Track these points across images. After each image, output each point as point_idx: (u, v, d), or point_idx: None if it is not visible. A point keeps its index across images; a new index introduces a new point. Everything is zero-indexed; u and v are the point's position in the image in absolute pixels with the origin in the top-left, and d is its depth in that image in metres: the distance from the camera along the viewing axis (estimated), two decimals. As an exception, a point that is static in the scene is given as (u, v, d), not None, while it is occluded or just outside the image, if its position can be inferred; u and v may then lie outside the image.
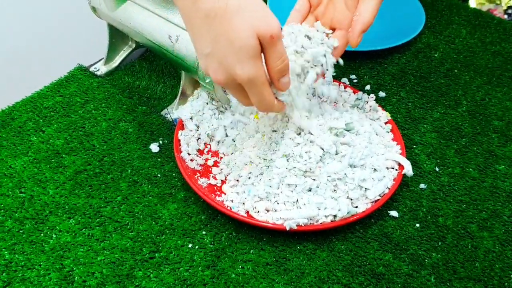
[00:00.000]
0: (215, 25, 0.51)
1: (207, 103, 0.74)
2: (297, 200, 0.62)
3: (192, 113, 0.73)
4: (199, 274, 0.58)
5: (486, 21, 0.99)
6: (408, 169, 0.66)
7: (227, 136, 0.71)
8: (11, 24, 1.29)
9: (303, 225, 0.60)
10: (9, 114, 0.76)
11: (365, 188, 0.63)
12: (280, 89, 0.58)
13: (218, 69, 0.53)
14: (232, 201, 0.64)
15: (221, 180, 0.67)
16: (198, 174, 0.67)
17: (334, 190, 0.62)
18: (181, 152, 0.69)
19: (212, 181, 0.67)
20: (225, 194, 0.65)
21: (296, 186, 0.62)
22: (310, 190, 0.62)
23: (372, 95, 0.77)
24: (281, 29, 0.54)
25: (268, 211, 0.62)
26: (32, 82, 0.85)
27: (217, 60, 0.53)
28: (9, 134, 0.73)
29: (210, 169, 0.68)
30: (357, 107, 0.76)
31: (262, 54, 0.54)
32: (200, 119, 0.72)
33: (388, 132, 0.72)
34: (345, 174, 0.63)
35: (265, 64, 0.55)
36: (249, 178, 0.65)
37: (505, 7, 1.93)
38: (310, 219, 0.60)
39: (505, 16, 1.18)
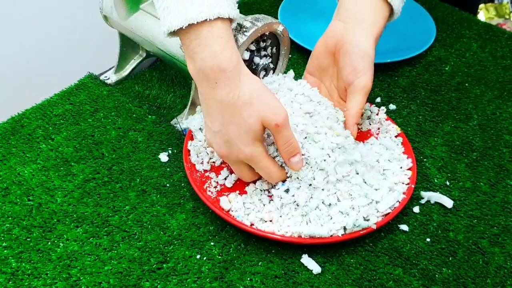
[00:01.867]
0: (227, 111, 0.59)
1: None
2: (306, 214, 0.61)
3: (201, 124, 0.73)
4: (207, 286, 0.58)
5: (497, 35, 0.99)
6: (449, 204, 0.67)
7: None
8: (22, 32, 1.30)
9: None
10: (19, 121, 0.76)
11: (376, 202, 0.63)
12: (293, 169, 0.62)
13: (222, 146, 0.61)
14: (237, 211, 0.63)
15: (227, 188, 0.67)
16: (207, 184, 0.67)
17: (345, 202, 0.62)
18: (190, 162, 0.68)
19: (219, 188, 0.66)
20: (230, 203, 0.64)
21: (306, 199, 0.62)
22: (320, 203, 0.62)
23: (382, 107, 0.77)
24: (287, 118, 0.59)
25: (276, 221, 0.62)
26: (42, 89, 0.85)
27: (223, 139, 0.60)
28: (19, 142, 0.73)
29: (217, 176, 0.68)
30: (368, 118, 0.75)
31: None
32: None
33: (398, 145, 0.71)
34: (355, 186, 0.63)
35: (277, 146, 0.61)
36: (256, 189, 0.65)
37: (514, 21, 1.91)
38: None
39: (515, 31, 1.18)
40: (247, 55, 0.68)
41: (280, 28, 0.70)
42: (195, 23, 0.56)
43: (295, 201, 0.62)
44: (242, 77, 0.58)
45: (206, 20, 0.56)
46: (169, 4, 0.57)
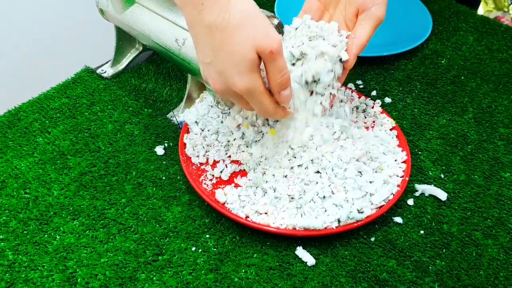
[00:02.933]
0: (216, 37, 0.53)
1: (211, 106, 0.74)
2: (300, 206, 0.62)
3: (197, 117, 0.73)
4: (202, 278, 0.58)
5: (493, 29, 0.99)
6: (443, 196, 0.67)
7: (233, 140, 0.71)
8: (19, 26, 1.30)
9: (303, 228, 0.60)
10: (16, 115, 0.77)
11: (370, 194, 0.63)
12: (281, 101, 0.59)
13: (217, 79, 0.56)
14: (232, 203, 0.64)
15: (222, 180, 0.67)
16: (203, 177, 0.67)
17: (339, 194, 0.62)
18: (186, 155, 0.69)
19: (215, 181, 0.67)
20: (226, 195, 0.65)
21: (300, 192, 0.62)
22: (314, 196, 0.62)
23: (378, 100, 0.77)
24: (282, 44, 0.55)
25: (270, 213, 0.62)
26: (39, 83, 0.85)
27: (217, 70, 0.55)
28: (15, 135, 0.74)
29: (213, 169, 0.68)
30: (363, 112, 0.76)
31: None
32: (205, 122, 0.72)
33: (393, 138, 0.72)
34: (349, 178, 0.63)
35: (266, 77, 0.57)
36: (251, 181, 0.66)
37: (513, 15, 1.91)
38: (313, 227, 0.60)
39: (513, 24, 1.18)
40: (242, 49, 0.68)
41: (275, 22, 0.69)
42: None
43: (289, 194, 0.62)
44: None
45: None
46: None
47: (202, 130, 0.72)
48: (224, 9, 0.52)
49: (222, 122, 0.72)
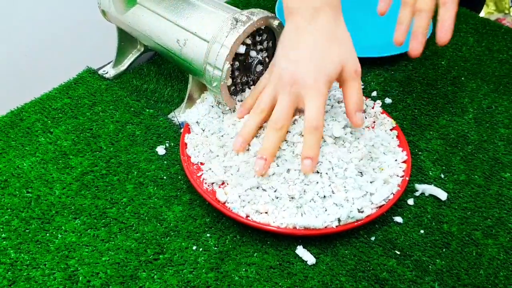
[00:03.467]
0: (319, 41, 0.61)
1: (212, 106, 0.74)
2: (301, 205, 0.62)
3: (198, 118, 0.73)
4: (202, 276, 0.59)
5: (494, 30, 0.99)
6: (443, 196, 0.68)
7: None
8: (21, 27, 1.31)
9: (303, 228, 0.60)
10: (18, 115, 0.77)
11: (370, 193, 0.63)
12: (356, 123, 0.64)
13: (309, 71, 0.61)
14: (233, 202, 0.64)
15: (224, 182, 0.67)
16: (204, 177, 0.67)
17: (340, 194, 0.63)
18: (187, 154, 0.69)
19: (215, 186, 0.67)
20: (226, 195, 0.65)
21: (300, 192, 0.62)
22: (315, 195, 0.62)
23: (378, 101, 0.77)
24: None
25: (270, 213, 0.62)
26: (41, 83, 0.86)
27: (306, 68, 0.61)
28: (18, 135, 0.74)
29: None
30: (363, 112, 0.76)
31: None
32: (206, 123, 0.73)
33: (393, 138, 0.72)
34: (349, 178, 0.63)
35: (344, 99, 0.64)
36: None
37: (514, 16, 1.91)
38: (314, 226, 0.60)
39: (514, 25, 1.18)
40: (243, 49, 0.68)
41: (275, 22, 0.70)
42: None
43: (289, 194, 0.63)
44: (341, 17, 0.63)
45: None
46: None
47: (203, 130, 0.72)
48: (338, 19, 0.62)
49: (223, 121, 0.72)
